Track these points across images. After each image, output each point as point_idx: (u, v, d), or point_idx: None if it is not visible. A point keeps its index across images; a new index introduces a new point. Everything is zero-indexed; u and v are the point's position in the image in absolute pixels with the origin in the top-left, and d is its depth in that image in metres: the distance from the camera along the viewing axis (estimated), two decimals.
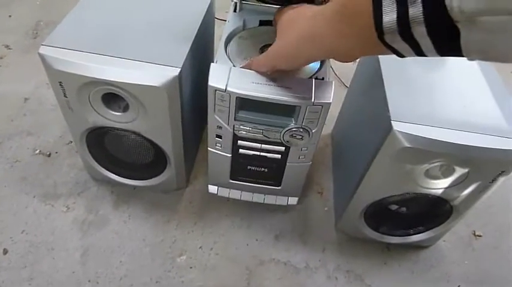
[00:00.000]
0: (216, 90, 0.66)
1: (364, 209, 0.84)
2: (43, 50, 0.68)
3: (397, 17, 0.34)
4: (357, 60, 0.96)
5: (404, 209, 0.87)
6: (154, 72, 0.68)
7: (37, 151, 1.03)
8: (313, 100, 0.66)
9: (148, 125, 0.77)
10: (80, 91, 0.71)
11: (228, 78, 0.66)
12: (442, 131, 0.67)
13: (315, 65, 0.73)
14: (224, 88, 0.65)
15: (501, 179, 0.72)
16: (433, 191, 0.76)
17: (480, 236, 0.99)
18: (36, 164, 1.00)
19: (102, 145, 0.88)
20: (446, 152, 0.67)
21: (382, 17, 0.35)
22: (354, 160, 0.88)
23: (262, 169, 0.83)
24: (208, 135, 0.76)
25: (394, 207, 0.87)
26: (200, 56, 0.84)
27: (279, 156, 0.79)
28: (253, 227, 0.94)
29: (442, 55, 0.35)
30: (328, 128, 1.16)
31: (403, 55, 0.38)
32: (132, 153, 0.88)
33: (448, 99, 0.73)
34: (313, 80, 0.68)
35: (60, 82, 0.70)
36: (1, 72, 1.25)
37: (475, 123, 0.68)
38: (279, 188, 0.88)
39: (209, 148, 0.80)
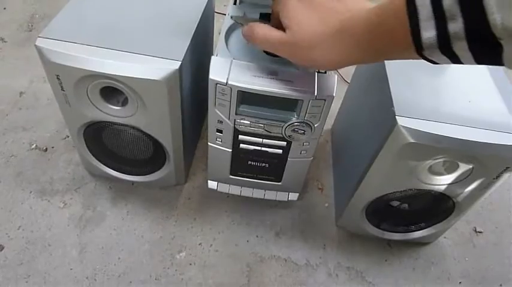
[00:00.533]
0: (217, 83, 0.65)
1: (366, 205, 0.83)
2: (40, 42, 0.66)
3: (437, 33, 0.33)
4: None
5: (406, 205, 0.86)
6: (154, 65, 0.67)
7: (33, 146, 1.01)
8: (316, 94, 0.65)
9: (148, 120, 0.75)
10: (77, 85, 0.70)
11: (229, 72, 0.65)
12: (447, 127, 0.66)
13: None
14: (225, 81, 0.64)
15: (506, 176, 0.71)
16: (436, 188, 0.75)
17: (481, 232, 0.99)
18: (32, 160, 0.98)
19: (100, 140, 0.86)
20: (451, 148, 0.66)
21: (420, 33, 0.34)
22: (356, 156, 0.87)
23: (263, 164, 0.82)
24: (209, 129, 0.75)
25: (395, 203, 0.86)
26: (200, 50, 0.83)
27: (280, 151, 0.77)
28: (253, 224, 0.93)
29: (480, 64, 0.34)
30: (328, 124, 1.15)
31: (438, 63, 0.38)
32: (131, 148, 0.87)
33: (453, 95, 0.72)
34: (316, 73, 0.67)
35: (57, 75, 0.69)
36: None
37: (480, 119, 0.67)
38: (280, 183, 0.87)
39: (209, 143, 0.79)
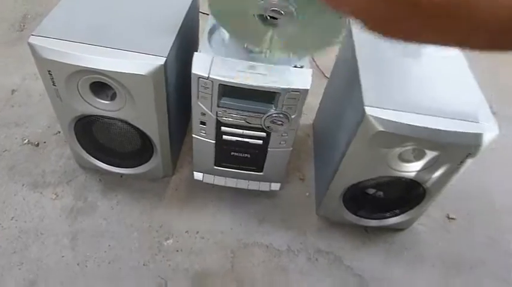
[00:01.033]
0: (199, 77, 0.70)
1: (343, 192, 0.88)
2: (33, 39, 0.70)
3: None
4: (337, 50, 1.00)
5: (381, 193, 0.92)
6: (140, 61, 0.71)
7: (25, 141, 1.05)
8: (292, 87, 0.70)
9: (135, 113, 0.80)
10: (68, 80, 0.74)
11: (211, 66, 0.70)
12: (413, 116, 0.71)
13: None
14: (207, 75, 0.69)
15: (469, 161, 0.77)
16: (407, 174, 0.81)
17: (453, 219, 1.05)
18: (25, 154, 1.02)
19: (90, 134, 0.90)
20: (417, 136, 0.71)
21: None
22: (333, 146, 0.92)
23: (245, 155, 0.87)
24: (193, 122, 0.80)
25: (371, 191, 0.92)
26: (185, 47, 0.87)
27: (260, 142, 0.82)
28: (238, 213, 0.98)
29: None
30: (310, 118, 1.20)
31: None
32: (120, 141, 0.91)
33: (420, 86, 0.78)
34: (293, 68, 0.72)
35: (49, 71, 0.73)
36: None
37: (444, 109, 0.73)
38: (262, 173, 0.92)
39: (194, 135, 0.84)
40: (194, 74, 0.70)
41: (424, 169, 0.79)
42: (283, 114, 0.75)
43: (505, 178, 1.17)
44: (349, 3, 0.29)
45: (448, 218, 1.05)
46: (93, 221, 0.92)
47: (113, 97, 0.79)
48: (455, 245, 0.99)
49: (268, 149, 0.84)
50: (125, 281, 0.84)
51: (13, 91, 1.18)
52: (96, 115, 0.82)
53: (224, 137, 0.82)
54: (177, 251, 0.89)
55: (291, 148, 0.85)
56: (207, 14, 0.81)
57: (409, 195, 0.90)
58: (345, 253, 0.94)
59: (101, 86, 0.76)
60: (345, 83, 0.89)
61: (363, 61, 0.80)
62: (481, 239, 1.02)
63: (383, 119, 0.70)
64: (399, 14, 0.26)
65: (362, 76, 0.77)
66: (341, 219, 0.96)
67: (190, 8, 0.87)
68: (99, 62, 0.70)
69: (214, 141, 0.84)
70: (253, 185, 0.95)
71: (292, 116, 0.75)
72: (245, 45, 0.71)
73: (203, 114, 0.77)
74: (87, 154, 0.95)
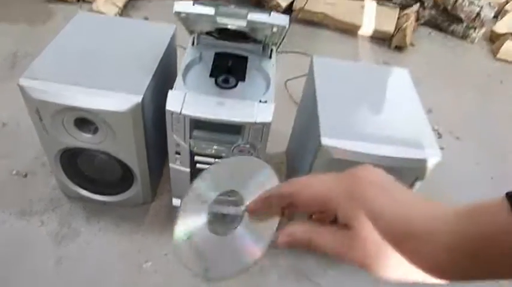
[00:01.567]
0: (172, 113, 0.78)
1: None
2: (22, 81, 0.79)
3: None
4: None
5: None
6: (119, 99, 0.80)
7: (14, 172, 1.11)
8: (255, 121, 0.79)
9: (116, 146, 0.87)
10: (54, 116, 0.82)
11: (183, 103, 0.78)
12: (364, 145, 0.80)
13: (262, 87, 0.86)
14: (179, 111, 0.77)
15: (418, 184, 0.85)
16: None
17: None
18: (13, 184, 1.09)
19: (74, 165, 0.98)
20: (369, 162, 0.80)
21: None
22: (299, 172, 1.01)
23: None
24: (169, 152, 0.88)
25: None
26: (162, 83, 0.96)
27: None
28: None
29: None
30: (283, 146, 1.29)
31: None
32: (102, 171, 0.98)
33: (372, 117, 0.87)
34: (257, 103, 0.81)
35: (37, 109, 0.81)
36: None
37: (393, 137, 0.82)
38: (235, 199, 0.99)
39: (170, 164, 0.91)
40: (168, 110, 0.78)
41: None
42: (249, 144, 0.83)
43: (461, 192, 1.26)
44: (424, 259, 0.27)
45: None
46: (77, 246, 0.98)
47: (95, 131, 0.86)
48: None
49: None
50: None
51: (3, 124, 1.25)
52: (80, 147, 0.89)
53: (198, 165, 0.90)
54: (155, 272, 0.95)
55: None
56: (184, 48, 0.91)
57: None
58: (312, 270, 1.01)
59: (84, 121, 0.83)
60: (307, 114, 0.98)
61: (322, 95, 0.90)
62: None
63: (337, 147, 0.79)
64: (485, 269, 0.26)
65: (320, 108, 0.86)
66: None
67: (167, 46, 0.97)
68: (82, 101, 0.78)
69: (189, 170, 0.91)
70: (229, 210, 1.02)
71: (258, 146, 0.84)
72: None
73: (178, 145, 0.85)
74: (72, 183, 1.02)
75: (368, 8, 1.98)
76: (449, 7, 2.00)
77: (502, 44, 1.97)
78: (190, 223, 0.37)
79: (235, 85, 0.86)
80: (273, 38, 0.91)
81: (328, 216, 0.32)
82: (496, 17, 2.14)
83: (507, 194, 0.25)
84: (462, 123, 1.57)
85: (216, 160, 0.88)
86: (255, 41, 0.93)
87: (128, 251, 0.98)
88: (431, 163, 0.81)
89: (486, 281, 0.27)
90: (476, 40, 2.07)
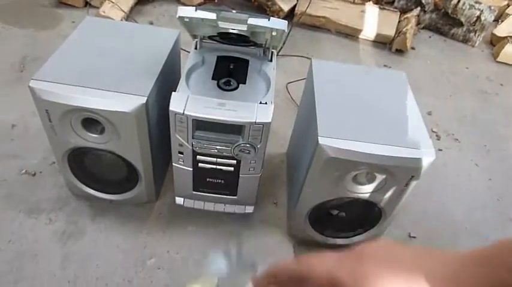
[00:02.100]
0: (175, 113, 0.81)
1: (308, 213, 0.98)
2: (33, 83, 0.82)
3: None
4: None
5: (343, 213, 1.02)
6: (125, 100, 0.83)
7: (23, 171, 1.15)
8: (255, 121, 0.82)
9: (121, 145, 0.91)
10: (63, 117, 0.85)
11: (186, 104, 0.81)
12: (360, 144, 0.82)
13: (263, 89, 0.89)
14: (182, 112, 0.81)
15: (413, 183, 0.88)
16: (362, 196, 0.92)
17: (415, 237, 1.15)
18: (22, 183, 1.12)
19: (81, 164, 1.01)
20: (364, 161, 0.83)
21: None
22: (298, 171, 1.03)
23: (220, 181, 0.97)
24: (172, 152, 0.91)
25: (335, 212, 1.02)
26: (166, 85, 0.99)
27: (232, 168, 0.93)
28: (216, 234, 1.07)
29: None
30: (284, 147, 1.32)
31: None
32: (108, 170, 1.02)
33: (369, 117, 0.90)
34: (257, 104, 0.84)
35: (46, 110, 0.84)
36: None
37: (389, 137, 0.84)
38: (236, 197, 1.02)
39: (173, 163, 0.94)
40: (171, 110, 0.82)
41: (376, 190, 0.90)
42: (249, 144, 0.86)
43: (460, 194, 1.28)
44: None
45: (410, 236, 1.15)
46: (83, 244, 1.01)
47: (101, 131, 0.90)
48: None
49: (240, 175, 0.95)
50: None
51: (13, 126, 1.29)
52: (87, 147, 0.93)
53: (200, 164, 0.93)
54: (159, 269, 0.98)
55: (260, 174, 0.95)
56: (187, 52, 0.94)
57: (367, 214, 1.00)
58: None
59: (91, 121, 0.87)
60: (306, 115, 1.01)
61: (320, 96, 0.93)
62: None
63: (333, 147, 0.82)
64: None
65: (318, 109, 0.89)
66: (310, 238, 1.05)
67: (171, 49, 1.00)
68: (89, 102, 0.82)
69: (191, 169, 0.94)
70: (229, 208, 1.05)
71: (258, 146, 0.87)
72: None
73: (180, 145, 0.89)
74: (79, 182, 1.05)
75: (369, 13, 2.01)
76: (449, 11, 2.03)
77: (503, 48, 1.99)
78: None
79: (237, 87, 0.90)
80: (273, 42, 0.94)
81: None
82: (496, 20, 2.16)
83: None
84: (461, 126, 1.59)
85: (217, 159, 0.91)
86: (256, 44, 0.96)
87: (133, 248, 1.01)
88: (425, 162, 0.83)
89: None
90: (476, 43, 2.10)
